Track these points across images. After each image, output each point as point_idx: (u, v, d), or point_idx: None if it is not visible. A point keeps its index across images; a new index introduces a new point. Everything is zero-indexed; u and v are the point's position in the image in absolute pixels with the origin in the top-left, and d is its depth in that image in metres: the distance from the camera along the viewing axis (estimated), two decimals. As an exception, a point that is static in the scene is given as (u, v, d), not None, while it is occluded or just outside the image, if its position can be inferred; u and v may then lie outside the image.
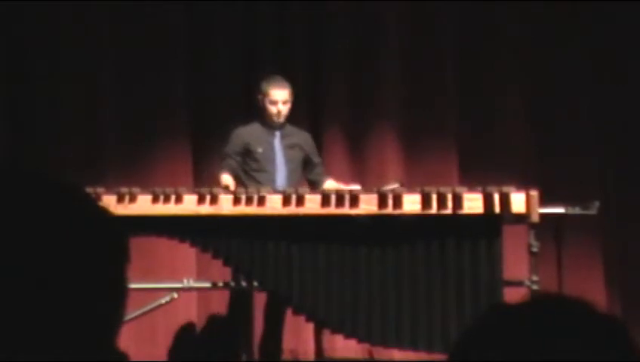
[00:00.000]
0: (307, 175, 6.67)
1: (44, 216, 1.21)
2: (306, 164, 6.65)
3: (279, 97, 6.48)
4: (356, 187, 6.13)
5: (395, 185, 5.94)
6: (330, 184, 6.47)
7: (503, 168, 7.27)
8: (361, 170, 7.55)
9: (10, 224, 1.19)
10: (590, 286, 7.20)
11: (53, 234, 1.20)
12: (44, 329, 1.18)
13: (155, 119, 7.47)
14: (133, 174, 7.19)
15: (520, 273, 5.89)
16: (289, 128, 6.63)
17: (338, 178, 6.84)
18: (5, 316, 1.17)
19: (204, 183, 6.69)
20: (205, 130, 7.49)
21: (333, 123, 7.58)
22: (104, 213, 1.26)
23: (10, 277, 1.17)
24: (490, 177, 6.55)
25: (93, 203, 1.27)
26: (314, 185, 6.47)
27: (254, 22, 7.59)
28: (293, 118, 6.65)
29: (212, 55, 7.57)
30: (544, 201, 5.75)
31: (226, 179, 6.33)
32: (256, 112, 6.62)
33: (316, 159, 6.71)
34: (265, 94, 6.49)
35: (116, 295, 1.25)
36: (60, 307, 1.19)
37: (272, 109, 6.47)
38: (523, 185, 5.95)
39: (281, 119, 6.53)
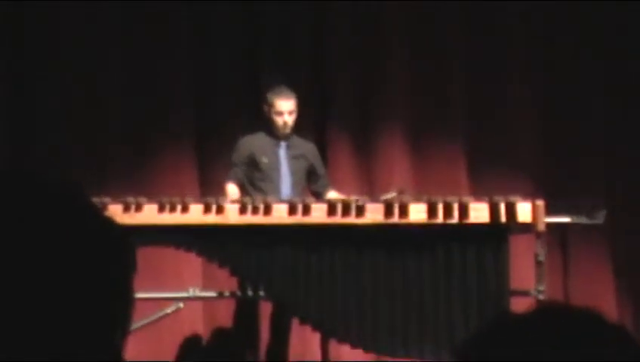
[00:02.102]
0: (311, 186, 6.67)
1: (49, 225, 1.21)
2: (311, 175, 6.66)
3: (285, 108, 6.50)
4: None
5: (393, 194, 5.93)
6: (332, 195, 6.45)
7: (512, 173, 7.25)
8: (367, 176, 7.53)
9: (14, 234, 1.19)
10: (598, 295, 7.17)
11: (59, 244, 1.20)
12: (48, 339, 1.18)
13: (160, 128, 7.47)
14: (138, 183, 7.18)
15: (526, 282, 5.88)
16: (295, 139, 6.64)
17: (345, 184, 6.84)
18: (10, 324, 1.16)
19: (210, 192, 6.68)
20: (211, 138, 7.49)
21: (339, 128, 7.56)
22: (110, 222, 1.26)
23: (15, 286, 1.17)
24: (499, 182, 6.55)
25: (99, 212, 1.27)
26: (317, 197, 6.46)
27: (257, 27, 7.58)
28: (298, 124, 6.65)
29: (215, 61, 7.56)
30: (550, 210, 5.74)
31: (231, 189, 6.34)
32: (262, 121, 6.63)
33: (321, 170, 6.71)
34: (271, 105, 6.52)
35: (123, 305, 1.25)
36: (65, 316, 1.18)
37: (279, 120, 6.50)
38: (531, 190, 5.93)
39: (287, 130, 6.55)
